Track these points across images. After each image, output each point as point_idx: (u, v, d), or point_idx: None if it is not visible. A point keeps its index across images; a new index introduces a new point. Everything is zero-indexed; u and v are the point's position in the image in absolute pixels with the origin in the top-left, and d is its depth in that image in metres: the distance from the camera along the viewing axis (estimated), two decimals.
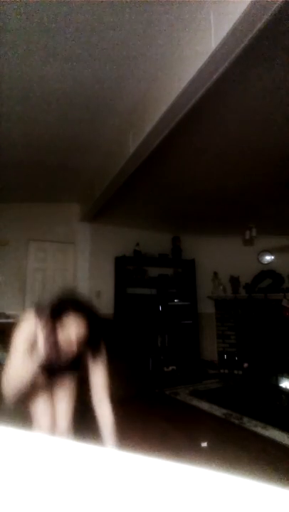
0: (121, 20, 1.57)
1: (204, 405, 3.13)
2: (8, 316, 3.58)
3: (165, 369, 4.39)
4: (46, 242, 4.28)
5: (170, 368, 4.42)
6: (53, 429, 1.46)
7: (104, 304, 4.18)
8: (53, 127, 2.48)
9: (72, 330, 1.19)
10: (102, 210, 3.87)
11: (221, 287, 5.10)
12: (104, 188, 3.18)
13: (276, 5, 1.26)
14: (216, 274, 5.16)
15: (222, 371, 4.62)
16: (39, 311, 1.28)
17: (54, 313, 1.23)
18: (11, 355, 1.22)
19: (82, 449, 0.35)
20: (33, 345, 1.23)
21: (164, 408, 3.03)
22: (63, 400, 1.50)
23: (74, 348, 1.21)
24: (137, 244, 4.67)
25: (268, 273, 4.88)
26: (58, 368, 1.35)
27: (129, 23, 1.60)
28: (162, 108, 1.95)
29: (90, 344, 1.28)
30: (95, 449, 0.34)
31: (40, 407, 1.44)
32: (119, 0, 1.47)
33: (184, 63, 1.71)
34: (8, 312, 3.65)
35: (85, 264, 4.37)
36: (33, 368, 1.20)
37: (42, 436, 0.37)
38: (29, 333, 1.23)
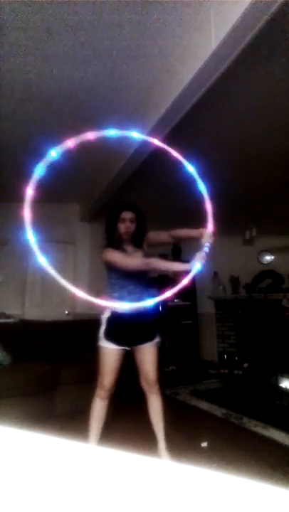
0: (121, 20, 1.57)
1: (204, 405, 3.12)
2: (8, 316, 3.57)
3: (165, 369, 4.39)
4: (46, 242, 4.28)
5: (170, 368, 4.42)
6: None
7: None
8: (53, 127, 2.48)
9: (126, 217, 1.80)
10: (102, 210, 3.87)
11: (221, 287, 5.09)
12: (104, 188, 3.18)
13: (276, 5, 1.26)
14: (216, 274, 5.15)
15: (222, 371, 4.61)
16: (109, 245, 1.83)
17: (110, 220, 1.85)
18: (121, 261, 1.73)
19: (82, 449, 0.35)
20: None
21: (164, 408, 3.01)
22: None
23: (131, 230, 1.80)
24: None
25: (268, 273, 4.87)
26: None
27: (129, 23, 1.60)
28: (162, 108, 1.95)
29: (139, 230, 1.84)
30: (95, 449, 0.34)
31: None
32: (119, 0, 1.47)
33: (184, 63, 1.71)
34: (8, 312, 3.65)
35: (85, 264, 4.36)
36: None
37: (41, 436, 0.37)
38: (115, 250, 1.77)
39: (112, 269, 1.79)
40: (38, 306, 4.11)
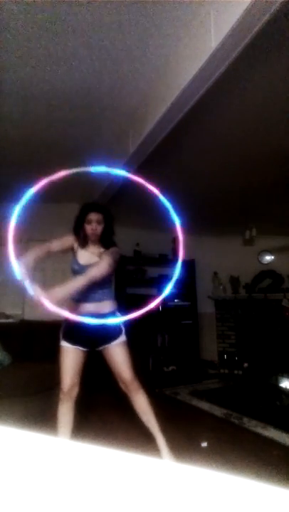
0: (121, 20, 1.57)
1: (204, 405, 3.13)
2: (8, 316, 3.57)
3: (165, 369, 4.39)
4: (46, 242, 4.26)
5: (170, 368, 4.42)
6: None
7: None
8: (53, 127, 2.48)
9: (93, 219, 1.80)
10: None
11: (221, 287, 5.09)
12: (103, 188, 3.18)
13: (276, 5, 1.26)
14: (216, 274, 5.16)
15: (222, 371, 4.61)
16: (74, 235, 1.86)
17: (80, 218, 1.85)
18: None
19: (82, 448, 0.35)
20: (66, 248, 1.91)
21: (164, 408, 3.02)
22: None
23: (97, 231, 1.81)
24: (137, 245, 4.67)
25: (268, 273, 4.87)
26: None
27: (129, 23, 1.60)
28: (162, 108, 1.95)
29: (106, 234, 1.86)
30: (94, 449, 0.34)
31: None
32: (120, 0, 1.47)
33: (184, 63, 1.71)
34: (8, 312, 3.65)
35: None
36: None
37: (40, 436, 0.37)
38: (67, 239, 1.89)
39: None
40: (38, 306, 4.10)
